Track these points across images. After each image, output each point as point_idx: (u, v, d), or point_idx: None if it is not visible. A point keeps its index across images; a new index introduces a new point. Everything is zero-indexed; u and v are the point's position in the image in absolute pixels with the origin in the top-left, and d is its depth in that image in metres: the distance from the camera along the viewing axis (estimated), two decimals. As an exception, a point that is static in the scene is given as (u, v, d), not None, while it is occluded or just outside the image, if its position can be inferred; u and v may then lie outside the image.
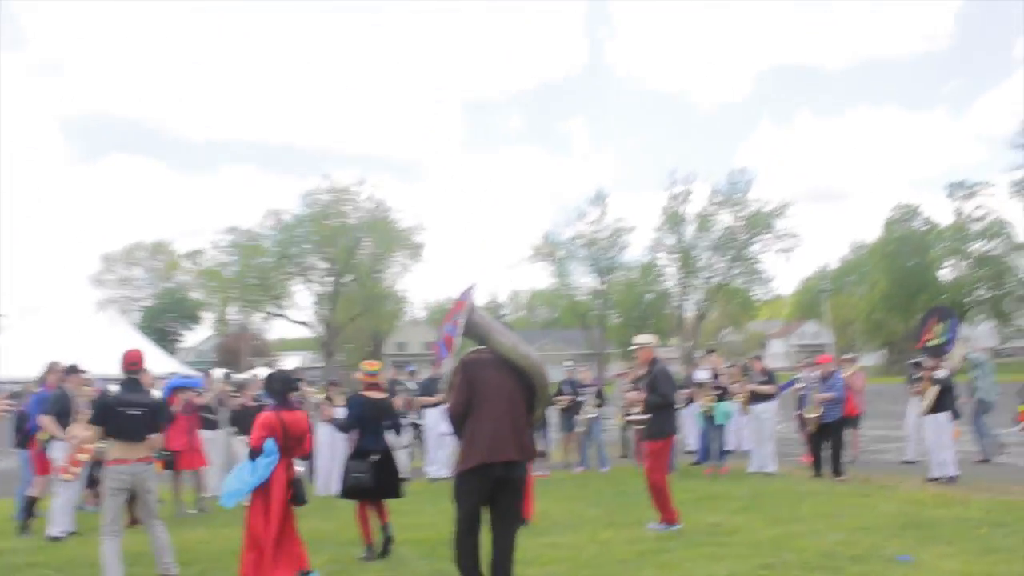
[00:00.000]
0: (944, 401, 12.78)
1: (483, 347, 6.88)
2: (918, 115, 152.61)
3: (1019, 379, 34.59)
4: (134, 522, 8.13)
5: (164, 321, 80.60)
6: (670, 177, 71.97)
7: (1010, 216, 64.91)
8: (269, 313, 76.50)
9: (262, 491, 7.24)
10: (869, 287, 74.43)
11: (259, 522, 7.22)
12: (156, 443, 7.70)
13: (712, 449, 14.43)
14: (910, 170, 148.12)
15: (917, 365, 13.53)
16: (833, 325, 77.07)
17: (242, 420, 12.62)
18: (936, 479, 12.41)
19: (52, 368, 10.81)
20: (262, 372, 20.34)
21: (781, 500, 11.13)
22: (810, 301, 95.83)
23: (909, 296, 66.97)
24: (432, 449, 14.96)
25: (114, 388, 7.51)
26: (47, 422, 9.93)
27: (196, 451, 11.63)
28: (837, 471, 13.08)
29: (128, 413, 7.29)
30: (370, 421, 8.88)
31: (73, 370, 10.50)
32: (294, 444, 7.57)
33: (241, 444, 12.59)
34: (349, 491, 8.67)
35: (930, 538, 8.57)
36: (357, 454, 8.74)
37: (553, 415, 15.54)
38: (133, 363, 7.59)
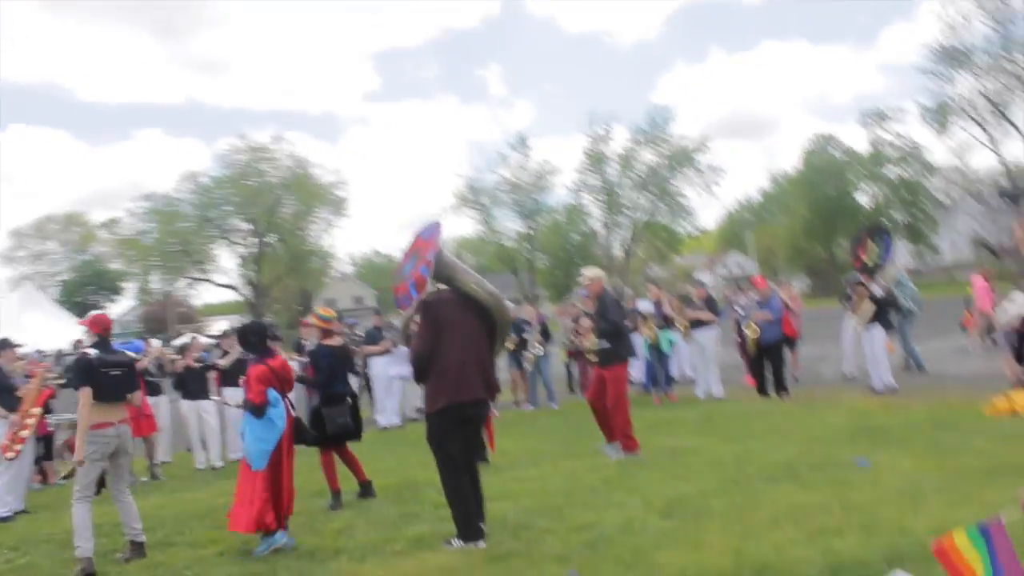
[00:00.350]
0: (879, 316, 13.14)
1: (443, 287, 6.86)
2: (827, 48, 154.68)
3: (935, 296, 35.98)
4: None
5: (84, 294, 78.23)
6: (590, 118, 71.93)
7: (923, 139, 66.66)
8: (193, 279, 75.00)
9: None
10: (790, 217, 75.82)
11: (249, 475, 7.15)
12: (136, 401, 7.56)
13: (659, 378, 14.65)
14: (823, 102, 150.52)
15: (860, 284, 13.87)
16: (757, 255, 78.60)
17: (187, 383, 12.40)
18: (876, 390, 12.80)
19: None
20: (201, 336, 19.99)
21: (732, 420, 11.37)
22: (734, 234, 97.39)
23: (829, 223, 68.61)
24: (380, 399, 14.89)
25: (91, 351, 7.20)
26: None
27: (146, 417, 11.33)
28: (781, 389, 13.40)
29: (111, 374, 7.08)
30: (338, 367, 8.93)
31: (5, 344, 10.11)
32: (288, 388, 7.60)
33: (189, 407, 12.39)
34: (335, 436, 8.62)
35: (881, 443, 8.86)
36: (331, 400, 8.68)
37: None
38: (107, 327, 7.39)
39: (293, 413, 7.55)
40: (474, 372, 6.62)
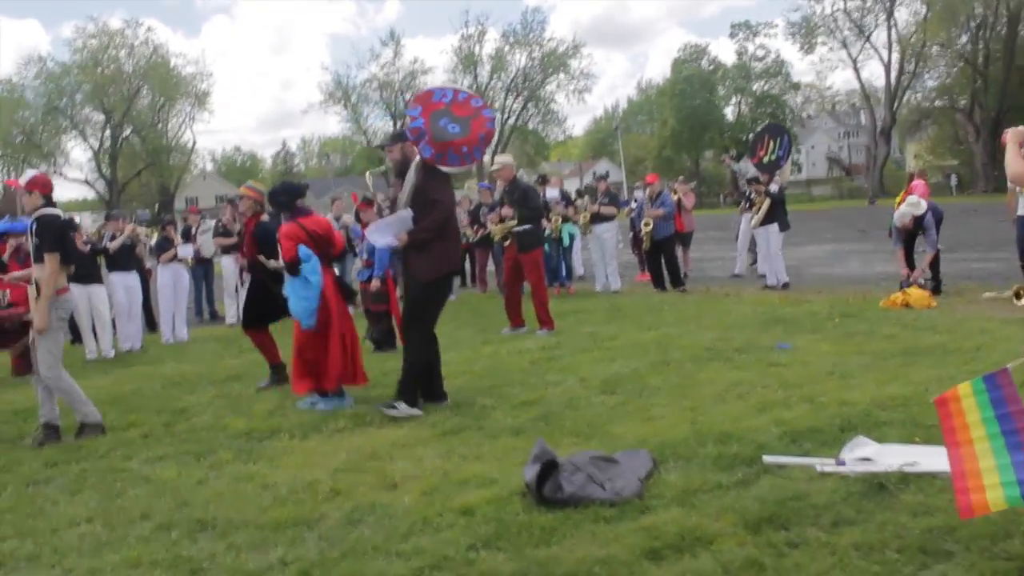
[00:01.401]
0: (775, 213, 13.48)
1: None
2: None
3: (799, 209, 37.56)
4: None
5: (-84, 183, 72.47)
6: (463, 18, 70.58)
7: (787, 56, 68.47)
8: (42, 172, 70.48)
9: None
10: (659, 125, 76.99)
11: (300, 335, 7.14)
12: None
13: (559, 270, 14.70)
14: (692, 14, 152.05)
15: (755, 181, 14.16)
16: (625, 163, 79.64)
17: (76, 268, 11.55)
18: (771, 286, 13.20)
19: None
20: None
21: (640, 311, 11.51)
22: (600, 141, 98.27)
23: (696, 134, 70.13)
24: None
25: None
26: None
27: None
28: (678, 284, 13.66)
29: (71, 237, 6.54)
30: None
31: None
32: (325, 246, 7.40)
33: (79, 293, 11.56)
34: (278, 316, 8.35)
35: (794, 330, 9.14)
36: (275, 277, 8.16)
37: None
38: (52, 188, 6.87)
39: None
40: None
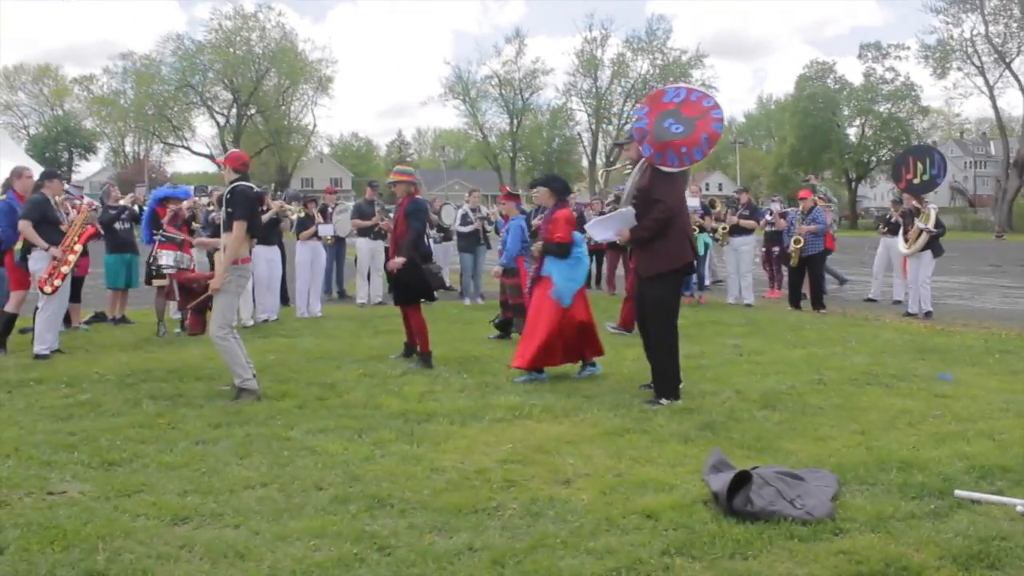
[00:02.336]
0: (929, 242, 12.94)
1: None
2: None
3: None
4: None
5: (55, 150, 75.96)
6: (587, 21, 70.60)
7: (917, 79, 66.27)
8: (169, 144, 73.23)
9: None
10: (777, 142, 75.50)
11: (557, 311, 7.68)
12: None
13: (690, 280, 14.42)
14: (818, 31, 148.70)
15: (897, 203, 13.60)
16: (740, 178, 78.35)
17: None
18: (912, 314, 12.71)
19: (19, 173, 9.80)
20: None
21: (779, 327, 11.21)
22: (715, 154, 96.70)
23: (815, 152, 68.43)
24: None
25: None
26: (28, 229, 8.97)
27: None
28: (818, 303, 13.27)
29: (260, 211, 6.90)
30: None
31: (52, 175, 9.50)
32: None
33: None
34: (439, 284, 8.82)
35: (951, 362, 8.74)
36: (425, 258, 8.59)
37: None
38: (246, 163, 7.34)
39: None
40: None
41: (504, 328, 10.29)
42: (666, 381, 6.87)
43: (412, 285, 8.48)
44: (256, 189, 7.27)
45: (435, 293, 8.82)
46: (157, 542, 3.96)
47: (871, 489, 4.75)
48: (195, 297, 7.11)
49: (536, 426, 6.11)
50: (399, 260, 8.35)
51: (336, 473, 4.99)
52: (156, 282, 10.45)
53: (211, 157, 70.64)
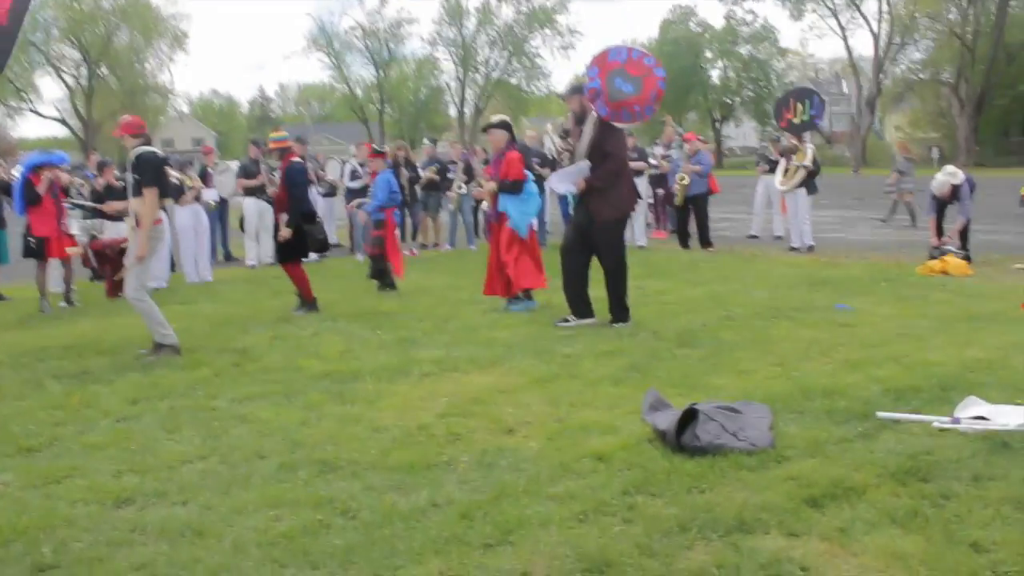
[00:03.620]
0: (804, 179, 13.44)
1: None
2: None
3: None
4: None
5: None
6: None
7: (776, 22, 68.16)
8: (12, 107, 68.91)
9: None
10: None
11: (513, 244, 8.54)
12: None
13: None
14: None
15: (776, 142, 14.05)
16: (608, 124, 79.42)
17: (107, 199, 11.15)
18: (796, 248, 13.22)
19: None
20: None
21: (676, 268, 11.47)
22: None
23: (681, 95, 69.62)
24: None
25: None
26: None
27: (68, 236, 10.18)
28: (706, 242, 13.63)
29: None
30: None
31: None
32: None
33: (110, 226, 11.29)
34: (318, 247, 9.51)
35: (844, 293, 9.14)
36: (308, 218, 8.97)
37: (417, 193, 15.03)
38: (142, 127, 7.39)
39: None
40: None
41: (380, 277, 10.49)
42: (624, 308, 7.73)
43: (293, 244, 8.89)
44: (160, 154, 7.37)
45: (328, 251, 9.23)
46: (104, 527, 3.78)
47: (801, 417, 4.95)
48: (110, 263, 7.10)
49: (465, 378, 6.11)
50: (286, 231, 8.81)
51: (275, 440, 4.88)
52: (70, 251, 10.05)
53: (63, 121, 67.12)
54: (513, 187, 8.52)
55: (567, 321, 7.78)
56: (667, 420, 4.51)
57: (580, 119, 7.70)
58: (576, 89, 7.91)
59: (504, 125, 8.80)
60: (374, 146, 12.15)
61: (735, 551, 3.34)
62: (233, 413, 5.45)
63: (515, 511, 3.75)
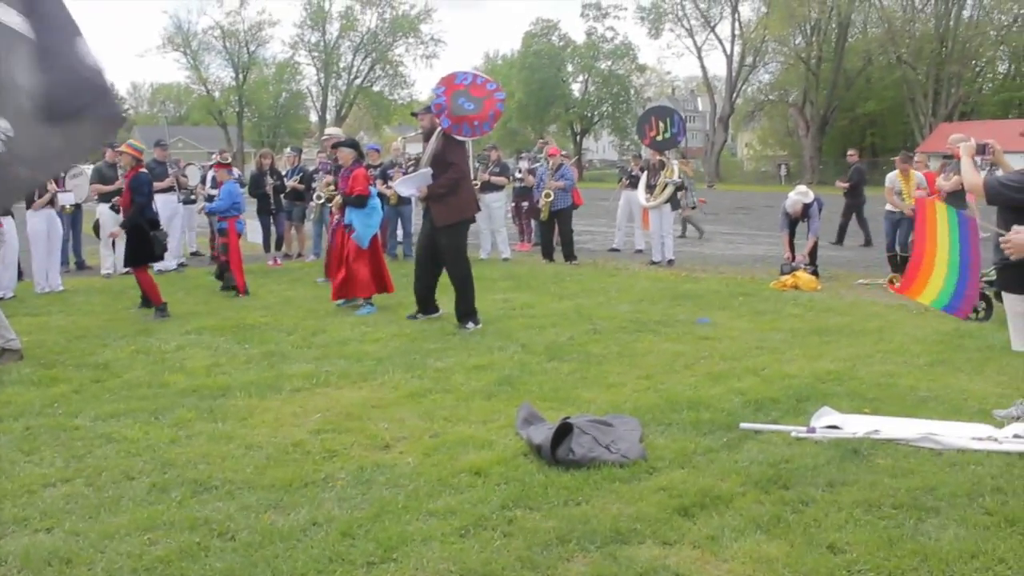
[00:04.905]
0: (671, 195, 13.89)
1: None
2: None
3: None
4: None
5: None
6: (314, -29, 68.79)
7: (635, 39, 70.16)
8: None
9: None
10: (506, 97, 77.21)
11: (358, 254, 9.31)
12: None
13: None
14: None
15: (637, 158, 14.46)
16: (475, 135, 79.79)
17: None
18: (656, 262, 13.65)
19: None
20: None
21: (541, 280, 11.63)
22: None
23: (542, 107, 70.77)
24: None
25: None
26: None
27: None
28: (570, 255, 13.91)
29: None
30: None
31: None
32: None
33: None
34: (159, 255, 9.57)
35: (704, 306, 9.51)
36: (153, 224, 9.32)
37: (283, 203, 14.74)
38: None
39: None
40: None
41: (223, 278, 11.01)
42: (470, 309, 8.34)
43: (139, 249, 9.20)
44: None
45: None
46: (-40, 558, 3.62)
47: (668, 429, 5.16)
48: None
49: (337, 393, 6.08)
50: (116, 230, 9.71)
51: (144, 460, 4.74)
52: None
53: None
54: (357, 201, 9.27)
55: (415, 317, 8.70)
56: (541, 434, 4.62)
57: (428, 135, 8.54)
58: (427, 109, 8.79)
59: (352, 144, 9.91)
60: (219, 159, 12.46)
61: (613, 561, 3.47)
62: (97, 432, 5.26)
63: (396, 528, 3.79)
